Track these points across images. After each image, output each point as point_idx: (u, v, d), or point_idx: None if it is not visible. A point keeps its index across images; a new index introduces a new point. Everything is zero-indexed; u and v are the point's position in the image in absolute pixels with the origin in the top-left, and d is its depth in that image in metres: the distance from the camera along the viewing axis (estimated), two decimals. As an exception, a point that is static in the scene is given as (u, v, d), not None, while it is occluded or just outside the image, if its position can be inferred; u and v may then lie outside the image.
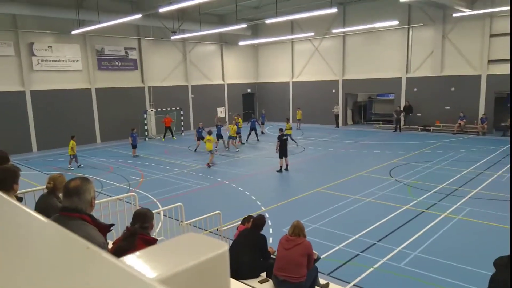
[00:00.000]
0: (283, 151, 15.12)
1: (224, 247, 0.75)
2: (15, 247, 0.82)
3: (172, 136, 25.27)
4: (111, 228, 3.10)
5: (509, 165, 14.21)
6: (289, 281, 5.25)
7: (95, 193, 2.96)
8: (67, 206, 2.80)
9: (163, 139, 24.83)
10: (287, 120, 22.13)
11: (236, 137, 21.17)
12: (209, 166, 16.42)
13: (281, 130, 15.74)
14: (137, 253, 0.75)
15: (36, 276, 0.66)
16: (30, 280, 0.66)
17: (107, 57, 24.32)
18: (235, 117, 22.42)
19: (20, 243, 0.86)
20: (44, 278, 0.65)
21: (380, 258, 7.62)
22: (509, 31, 21.13)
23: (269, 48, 32.37)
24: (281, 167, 15.26)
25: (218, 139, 20.01)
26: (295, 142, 20.63)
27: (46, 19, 20.83)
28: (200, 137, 20.17)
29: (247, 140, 22.77)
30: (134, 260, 0.73)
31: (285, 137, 15.24)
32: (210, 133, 17.26)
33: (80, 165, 17.08)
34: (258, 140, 23.05)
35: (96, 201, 7.46)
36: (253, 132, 23.10)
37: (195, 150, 20.32)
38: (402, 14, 24.10)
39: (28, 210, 1.18)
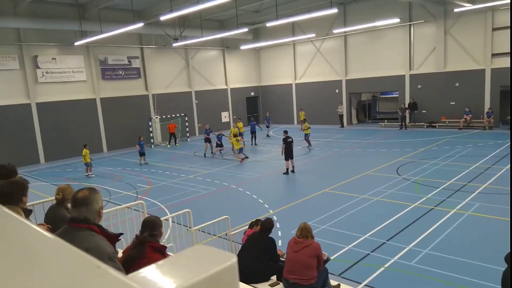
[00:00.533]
0: (288, 153, 15.13)
1: (233, 259, 0.76)
2: (24, 265, 0.83)
3: (175, 143, 25.23)
4: (120, 238, 3.12)
5: (510, 163, 14.08)
6: (299, 283, 5.24)
7: (103, 202, 2.98)
8: (75, 217, 2.82)
9: (169, 146, 24.90)
10: (304, 120, 21.67)
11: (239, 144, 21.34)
12: (243, 159, 18.12)
13: (285, 132, 15.73)
14: (146, 268, 0.76)
15: None
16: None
17: (110, 66, 24.51)
18: (237, 122, 22.49)
19: (28, 260, 0.87)
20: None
21: (390, 257, 7.58)
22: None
23: (270, 51, 32.42)
24: (287, 169, 15.26)
25: (217, 146, 20.30)
26: (309, 143, 20.43)
27: (49, 31, 21.07)
28: (208, 140, 20.22)
29: (251, 144, 22.74)
30: (143, 277, 0.74)
31: (290, 139, 15.23)
32: (235, 135, 18.96)
33: (88, 175, 17.18)
34: (255, 144, 22.91)
35: (104, 210, 7.48)
36: (253, 136, 22.98)
37: (205, 155, 20.31)
38: (403, 12, 24.04)
39: (36, 227, 1.19)
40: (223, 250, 0.82)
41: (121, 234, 3.18)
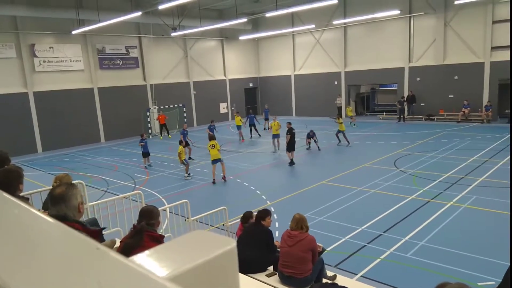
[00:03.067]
0: (291, 145, 15.18)
1: (232, 243, 0.76)
2: (25, 249, 0.83)
3: (168, 134, 24.93)
4: (103, 232, 3.09)
5: (510, 155, 14.13)
6: (294, 277, 5.26)
7: (82, 198, 2.92)
8: (54, 214, 2.77)
9: (161, 138, 24.53)
10: (339, 116, 19.63)
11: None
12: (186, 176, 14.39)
13: (289, 123, 15.63)
14: (146, 252, 0.76)
15: (48, 277, 0.67)
16: (41, 281, 0.67)
17: (108, 56, 24.34)
18: (235, 114, 22.32)
19: (30, 244, 0.87)
20: (55, 279, 0.67)
21: (386, 249, 7.63)
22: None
23: (270, 42, 32.25)
24: (291, 159, 15.31)
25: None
26: (347, 140, 18.33)
27: (46, 19, 20.85)
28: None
29: (250, 138, 22.51)
30: (143, 259, 0.74)
31: (294, 131, 15.30)
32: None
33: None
34: (259, 136, 22.72)
35: (102, 200, 7.47)
36: (253, 129, 22.48)
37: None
38: (403, 3, 23.91)
39: (36, 211, 1.19)
40: (222, 235, 0.82)
41: (103, 228, 3.16)
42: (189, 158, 17.10)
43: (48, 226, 1.00)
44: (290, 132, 15.15)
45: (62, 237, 0.91)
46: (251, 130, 22.57)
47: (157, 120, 24.92)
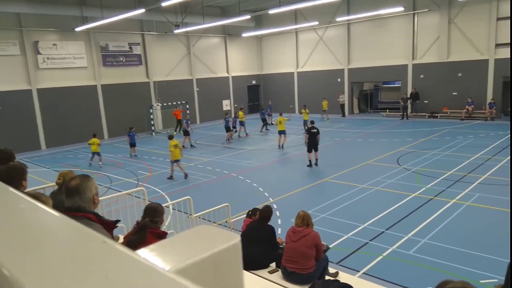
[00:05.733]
0: (311, 145, 14.31)
1: (236, 238, 0.77)
2: (32, 243, 0.84)
3: (180, 130, 25.17)
4: (117, 225, 3.12)
5: (510, 154, 14.07)
6: (297, 272, 5.28)
7: (97, 189, 2.96)
8: (69, 206, 2.81)
9: (175, 133, 24.72)
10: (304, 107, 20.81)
11: (234, 129, 21.57)
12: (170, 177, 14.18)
13: (312, 122, 14.74)
14: (151, 246, 0.77)
15: (55, 271, 0.69)
16: (49, 274, 0.68)
17: (111, 53, 24.38)
18: (239, 110, 22.51)
19: (37, 238, 0.88)
20: (63, 271, 0.68)
21: (389, 246, 7.64)
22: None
23: (273, 39, 32.18)
24: (310, 161, 14.50)
25: (227, 131, 20.47)
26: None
27: (50, 16, 20.89)
28: (228, 128, 20.50)
29: (261, 131, 23.01)
30: (148, 253, 0.75)
31: (314, 130, 14.26)
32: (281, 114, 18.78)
33: (91, 164, 17.11)
34: (267, 129, 23.13)
35: (105, 197, 7.49)
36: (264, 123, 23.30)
37: (228, 140, 20.65)
38: (406, 0, 23.78)
39: (42, 206, 1.20)
40: (226, 230, 0.84)
41: (118, 221, 3.19)
42: (191, 146, 19.49)
43: (55, 220, 1.01)
44: (309, 132, 14.33)
45: (69, 231, 0.92)
46: (263, 126, 23.33)
47: (173, 115, 25.26)
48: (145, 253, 0.75)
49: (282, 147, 18.13)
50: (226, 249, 0.74)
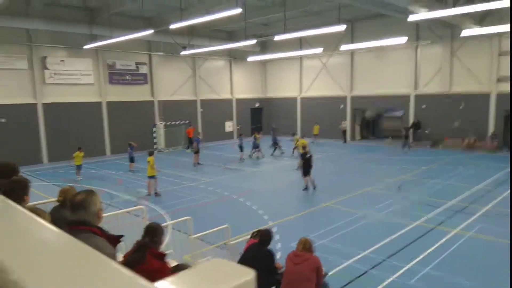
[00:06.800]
0: (306, 170, 14.50)
1: (250, 275, 0.78)
2: (30, 256, 0.85)
3: (188, 148, 25.56)
4: (121, 240, 3.12)
5: (510, 187, 14.03)
6: (298, 296, 5.20)
7: (101, 204, 2.99)
8: (74, 220, 2.83)
9: (188, 151, 25.04)
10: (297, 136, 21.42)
11: (254, 151, 22.00)
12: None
13: (304, 148, 15.08)
14: (170, 279, 0.78)
15: (51, 285, 0.70)
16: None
17: (118, 71, 24.72)
18: (256, 134, 22.68)
19: (35, 252, 0.89)
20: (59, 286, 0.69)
21: (389, 275, 7.53)
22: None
23: (277, 64, 32.64)
24: (306, 185, 14.56)
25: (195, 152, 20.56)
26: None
27: (59, 33, 21.30)
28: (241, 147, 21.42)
29: (271, 155, 22.84)
30: (164, 286, 0.76)
31: (308, 155, 14.52)
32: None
33: (79, 178, 17.15)
34: (282, 152, 23.07)
35: (105, 214, 7.47)
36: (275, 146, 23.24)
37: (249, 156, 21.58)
38: (410, 32, 24.18)
39: (42, 221, 1.22)
40: (241, 265, 0.85)
41: (121, 236, 3.18)
42: (198, 163, 20.20)
43: (54, 236, 1.02)
44: (303, 157, 14.54)
45: (66, 246, 0.93)
46: (274, 149, 23.24)
47: (186, 133, 26.27)
48: (165, 285, 0.75)
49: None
50: (239, 286, 0.75)
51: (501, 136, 22.14)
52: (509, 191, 13.54)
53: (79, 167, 17.47)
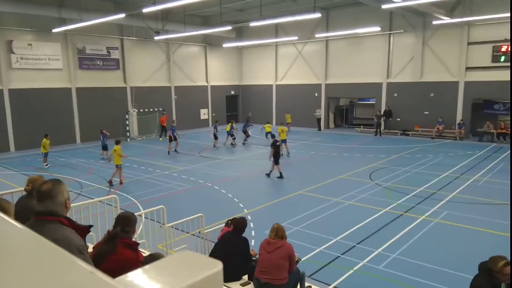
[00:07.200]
0: (277, 157, 14.80)
1: (218, 266, 0.79)
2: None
3: (160, 137, 25.28)
4: (90, 230, 3.07)
5: (510, 174, 14.60)
6: (271, 283, 5.30)
7: (69, 194, 2.92)
8: (41, 210, 2.76)
9: (160, 139, 24.92)
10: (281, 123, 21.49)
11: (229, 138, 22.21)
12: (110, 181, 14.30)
13: (273, 136, 15.34)
14: (135, 272, 0.77)
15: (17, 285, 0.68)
16: None
17: (88, 56, 23.96)
18: (232, 122, 22.57)
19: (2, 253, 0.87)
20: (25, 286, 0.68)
21: (360, 260, 7.75)
22: (485, 40, 21.82)
23: (253, 51, 32.47)
24: (280, 173, 14.66)
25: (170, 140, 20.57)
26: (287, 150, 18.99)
27: (26, 16, 20.38)
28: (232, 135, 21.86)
29: (243, 143, 22.71)
30: (130, 280, 0.75)
31: (278, 143, 15.00)
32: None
33: (47, 165, 16.75)
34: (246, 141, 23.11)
35: (76, 203, 7.31)
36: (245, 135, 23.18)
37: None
38: (383, 21, 24.53)
39: (6, 217, 1.18)
40: (209, 257, 0.85)
41: (91, 226, 3.13)
42: (175, 151, 20.23)
43: (19, 233, 1.00)
44: (275, 145, 14.73)
45: (33, 245, 0.91)
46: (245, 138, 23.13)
47: (159, 121, 25.79)
48: (128, 281, 0.75)
49: (288, 154, 18.70)
50: (208, 277, 0.76)
51: (468, 124, 22.94)
52: (475, 177, 14.11)
53: (46, 155, 16.97)
